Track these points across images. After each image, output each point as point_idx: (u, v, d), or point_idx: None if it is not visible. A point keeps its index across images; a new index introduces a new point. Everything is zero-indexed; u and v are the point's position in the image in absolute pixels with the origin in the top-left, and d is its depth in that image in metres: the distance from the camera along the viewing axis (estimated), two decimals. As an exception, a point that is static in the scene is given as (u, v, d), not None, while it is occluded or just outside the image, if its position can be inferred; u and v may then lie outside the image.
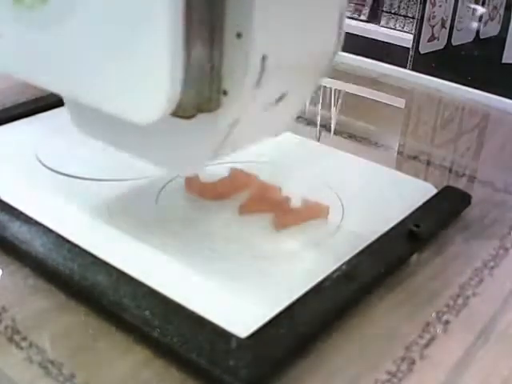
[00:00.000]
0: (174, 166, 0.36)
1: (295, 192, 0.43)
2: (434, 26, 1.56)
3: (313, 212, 0.41)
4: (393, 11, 2.03)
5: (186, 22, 0.27)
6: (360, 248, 0.38)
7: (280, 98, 0.33)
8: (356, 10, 2.07)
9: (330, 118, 0.63)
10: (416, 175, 0.49)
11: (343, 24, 0.34)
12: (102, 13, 0.29)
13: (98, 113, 0.34)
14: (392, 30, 2.01)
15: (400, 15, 2.02)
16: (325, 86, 0.72)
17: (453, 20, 1.61)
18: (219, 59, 0.29)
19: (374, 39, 1.99)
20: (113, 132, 0.37)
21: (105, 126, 0.37)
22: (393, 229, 0.40)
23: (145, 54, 0.28)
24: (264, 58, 0.30)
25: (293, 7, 0.31)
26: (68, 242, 0.37)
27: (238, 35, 0.29)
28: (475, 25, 1.67)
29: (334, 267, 0.36)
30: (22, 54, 0.34)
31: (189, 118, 0.31)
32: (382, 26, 2.04)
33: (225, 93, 0.30)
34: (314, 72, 0.35)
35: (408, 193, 0.45)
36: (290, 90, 0.34)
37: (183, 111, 0.30)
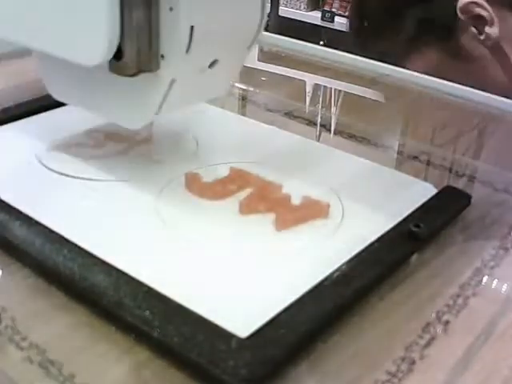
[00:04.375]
0: (126, 120, 0.43)
1: (295, 192, 0.43)
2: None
3: (313, 210, 0.41)
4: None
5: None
6: (360, 248, 0.38)
7: (212, 64, 0.41)
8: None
9: (330, 118, 0.63)
10: (416, 175, 0.49)
11: (266, 3, 0.42)
12: None
13: (68, 78, 0.45)
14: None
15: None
16: (325, 86, 0.72)
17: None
18: (156, 28, 0.37)
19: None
20: (80, 93, 0.45)
21: (73, 89, 0.45)
22: (393, 229, 0.40)
23: (89, 13, 0.36)
24: (192, 29, 0.37)
25: None
26: (68, 241, 0.37)
27: (170, 9, 0.36)
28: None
29: (334, 267, 0.36)
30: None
31: (132, 75, 0.38)
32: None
33: (162, 56, 0.38)
34: (242, 43, 0.43)
35: (408, 193, 0.45)
36: (222, 58, 0.41)
37: (127, 69, 0.38)
